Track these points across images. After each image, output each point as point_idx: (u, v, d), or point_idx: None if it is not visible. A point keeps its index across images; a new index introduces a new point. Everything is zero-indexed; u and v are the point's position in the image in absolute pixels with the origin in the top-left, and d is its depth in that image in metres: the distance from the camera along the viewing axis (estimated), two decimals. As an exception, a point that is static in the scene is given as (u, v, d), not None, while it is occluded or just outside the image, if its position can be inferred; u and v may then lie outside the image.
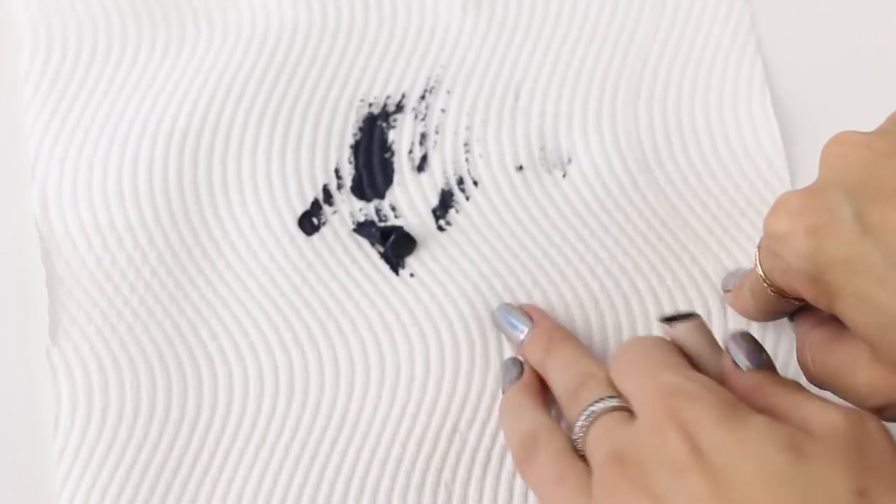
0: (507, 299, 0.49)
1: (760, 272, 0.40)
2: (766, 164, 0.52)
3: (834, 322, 0.40)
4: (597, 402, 0.39)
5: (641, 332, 0.49)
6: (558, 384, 0.43)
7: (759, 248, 0.40)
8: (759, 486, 0.32)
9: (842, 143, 0.37)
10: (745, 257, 0.50)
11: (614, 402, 0.38)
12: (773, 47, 0.55)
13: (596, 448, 0.37)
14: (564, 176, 0.52)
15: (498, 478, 0.46)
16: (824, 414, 0.35)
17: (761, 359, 0.39)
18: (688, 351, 0.40)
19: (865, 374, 0.37)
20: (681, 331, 0.40)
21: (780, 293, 0.40)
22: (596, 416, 0.38)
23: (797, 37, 0.56)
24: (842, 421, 0.34)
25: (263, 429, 0.47)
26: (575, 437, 0.39)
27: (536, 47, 0.55)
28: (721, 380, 0.39)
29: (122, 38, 0.54)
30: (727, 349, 0.40)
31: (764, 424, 0.34)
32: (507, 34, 0.55)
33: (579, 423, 0.39)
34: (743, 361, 0.39)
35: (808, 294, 0.37)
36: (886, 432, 0.34)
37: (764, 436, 0.33)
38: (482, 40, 0.55)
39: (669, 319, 0.41)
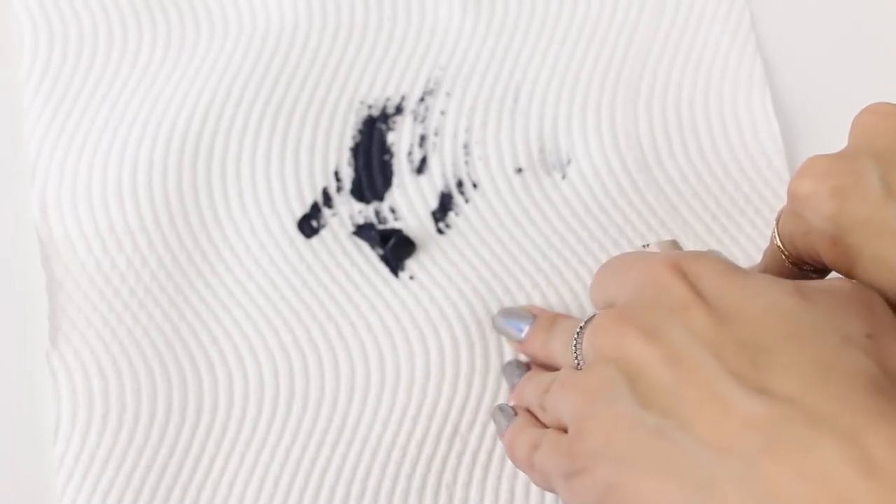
0: (507, 302, 0.49)
1: (778, 242, 0.39)
2: (765, 163, 0.52)
3: None
4: (582, 325, 0.38)
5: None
6: (560, 355, 0.42)
7: (779, 218, 0.40)
8: (766, 323, 0.31)
9: (873, 113, 0.37)
10: (744, 256, 0.50)
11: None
12: (772, 46, 0.55)
13: (588, 342, 0.36)
14: (564, 177, 0.52)
15: (499, 479, 0.46)
16: (830, 281, 0.35)
17: None
18: None
19: None
20: (663, 245, 0.40)
21: (798, 263, 0.40)
22: (586, 325, 0.38)
23: (797, 35, 0.56)
24: (846, 283, 0.34)
25: (264, 432, 0.47)
26: (576, 361, 0.38)
27: (536, 49, 0.55)
28: None
29: (122, 39, 0.54)
30: None
31: (769, 278, 0.34)
32: (507, 36, 0.55)
33: (574, 344, 0.38)
34: None
35: (827, 256, 0.36)
36: (884, 302, 0.34)
37: (770, 283, 0.33)
38: (482, 42, 0.55)
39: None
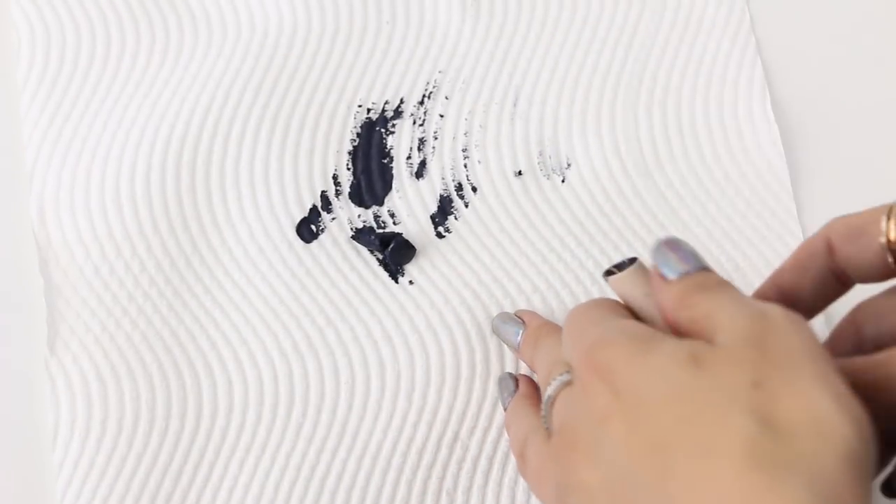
0: (507, 306, 0.49)
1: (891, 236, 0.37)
2: (766, 166, 0.52)
3: None
4: (551, 383, 0.38)
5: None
6: (540, 376, 0.42)
7: (890, 213, 0.36)
8: (664, 410, 0.31)
9: None
10: (745, 259, 0.50)
11: (564, 378, 0.38)
12: (772, 50, 0.55)
13: (552, 429, 0.37)
14: (563, 181, 0.52)
15: (500, 485, 0.46)
16: (733, 318, 0.33)
17: (689, 264, 0.36)
18: (625, 299, 0.39)
19: None
20: (615, 283, 0.39)
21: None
22: (552, 399, 0.38)
23: (796, 39, 0.55)
24: (744, 320, 0.33)
25: (263, 438, 0.47)
26: (546, 427, 0.39)
27: (535, 52, 0.54)
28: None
29: (119, 44, 0.54)
30: (654, 264, 0.37)
31: (669, 346, 0.33)
32: (506, 39, 0.55)
33: (543, 413, 0.39)
34: (668, 273, 0.36)
35: None
36: (794, 323, 0.33)
37: (668, 357, 0.33)
38: (481, 45, 0.54)
39: (609, 273, 0.39)
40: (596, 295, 0.49)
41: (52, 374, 0.47)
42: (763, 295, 0.39)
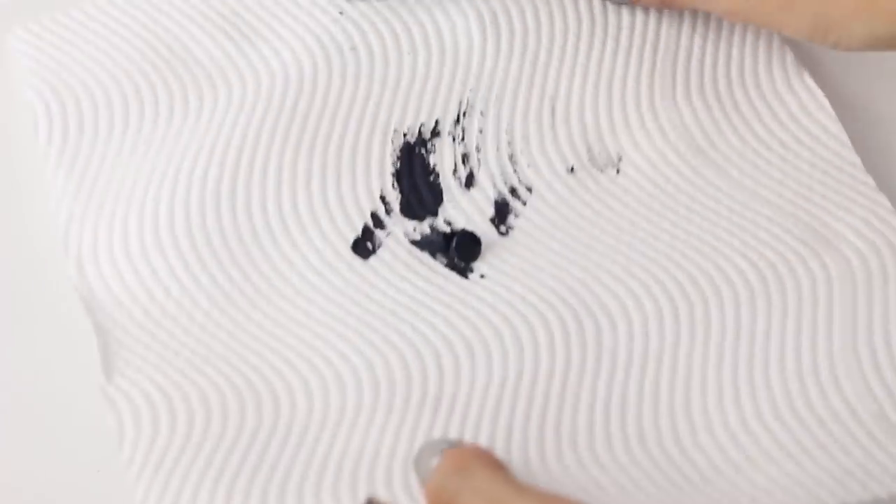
0: (584, 294, 0.46)
1: None
2: (820, 130, 0.51)
3: None
4: None
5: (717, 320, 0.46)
6: None
7: None
8: None
9: None
10: (825, 213, 0.48)
11: None
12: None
13: None
14: (619, 172, 0.50)
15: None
16: None
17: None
18: None
19: None
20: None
21: None
22: None
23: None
24: None
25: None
26: None
27: (563, 60, 0.53)
28: None
29: (137, 106, 0.52)
30: None
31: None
32: (531, 52, 0.54)
33: None
34: None
35: None
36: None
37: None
38: (507, 61, 0.53)
39: None
40: (675, 281, 0.47)
41: (112, 399, 0.44)
42: None
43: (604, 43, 0.54)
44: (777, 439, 0.43)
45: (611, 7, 0.55)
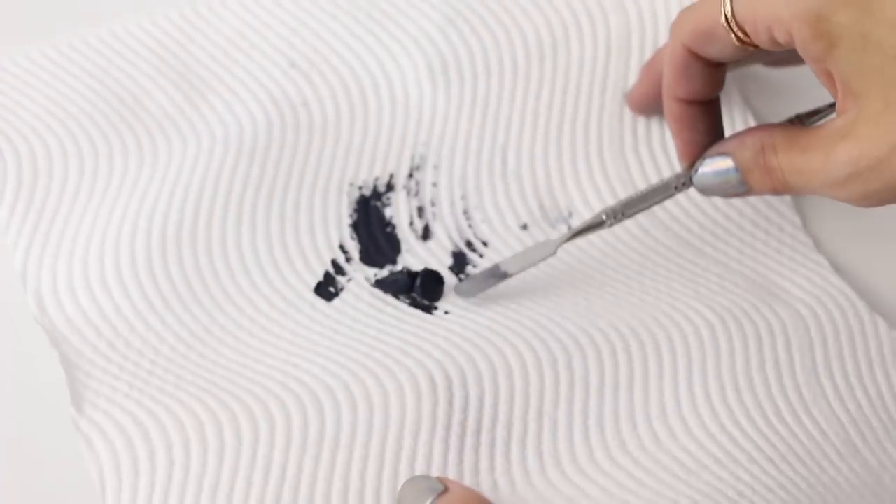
0: (552, 327, 0.47)
1: (728, 8, 0.41)
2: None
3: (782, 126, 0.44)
4: None
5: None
6: None
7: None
8: None
9: None
10: (770, 271, 0.50)
11: None
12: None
13: None
14: (569, 229, 0.51)
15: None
16: None
17: None
18: None
19: (842, 149, 0.39)
20: None
21: (746, 40, 0.41)
22: None
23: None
24: None
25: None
26: None
27: (513, 109, 0.54)
28: None
29: (91, 153, 0.51)
30: None
31: None
32: (482, 101, 0.54)
33: None
34: None
35: (800, 35, 0.38)
36: None
37: None
38: (457, 112, 0.54)
39: None
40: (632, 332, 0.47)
41: (83, 431, 0.43)
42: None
43: (553, 85, 0.55)
44: (751, 440, 0.44)
45: (561, 48, 0.56)
